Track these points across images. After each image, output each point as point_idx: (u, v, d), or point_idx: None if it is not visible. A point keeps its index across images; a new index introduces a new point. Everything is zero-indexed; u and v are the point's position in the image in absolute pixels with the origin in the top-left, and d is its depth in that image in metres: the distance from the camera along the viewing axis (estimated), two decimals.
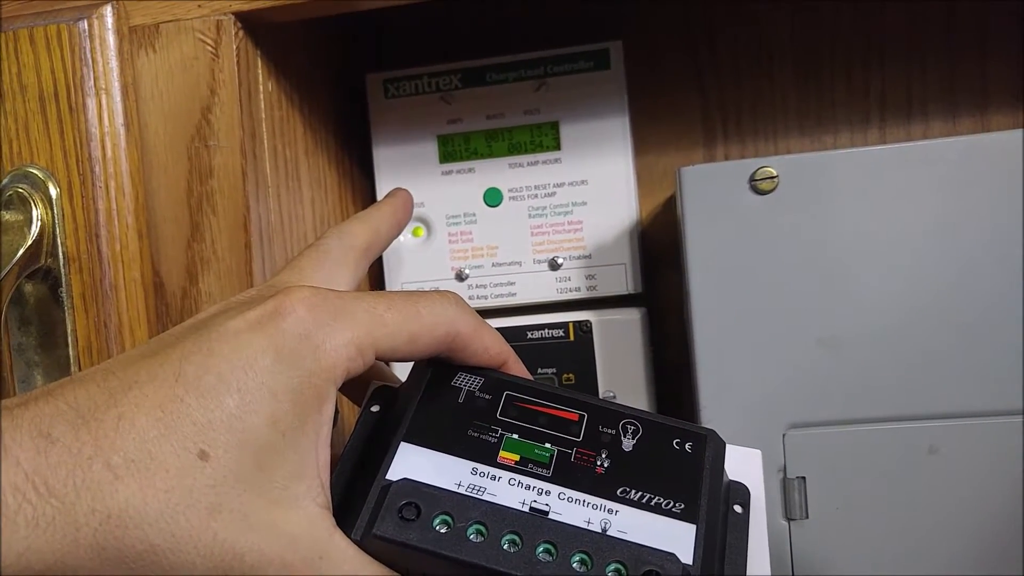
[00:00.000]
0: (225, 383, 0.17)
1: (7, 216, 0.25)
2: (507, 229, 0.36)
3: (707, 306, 0.30)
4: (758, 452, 0.22)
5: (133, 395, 0.17)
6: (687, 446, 0.20)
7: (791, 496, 0.29)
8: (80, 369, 0.25)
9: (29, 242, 0.24)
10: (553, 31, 0.39)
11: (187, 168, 0.27)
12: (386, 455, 0.19)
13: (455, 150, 0.36)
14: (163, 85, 0.26)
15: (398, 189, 0.29)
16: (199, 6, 0.26)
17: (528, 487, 0.19)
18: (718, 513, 0.20)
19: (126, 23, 0.26)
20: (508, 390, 0.21)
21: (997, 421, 0.28)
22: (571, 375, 0.35)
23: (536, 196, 0.36)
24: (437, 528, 0.18)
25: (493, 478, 0.19)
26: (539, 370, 0.35)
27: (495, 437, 0.20)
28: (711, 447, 0.20)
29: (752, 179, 0.29)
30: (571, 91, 0.35)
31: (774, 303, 0.29)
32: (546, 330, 0.35)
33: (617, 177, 0.35)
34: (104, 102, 0.25)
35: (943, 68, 0.37)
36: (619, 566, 0.18)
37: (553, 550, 0.18)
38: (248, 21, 0.27)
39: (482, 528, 0.18)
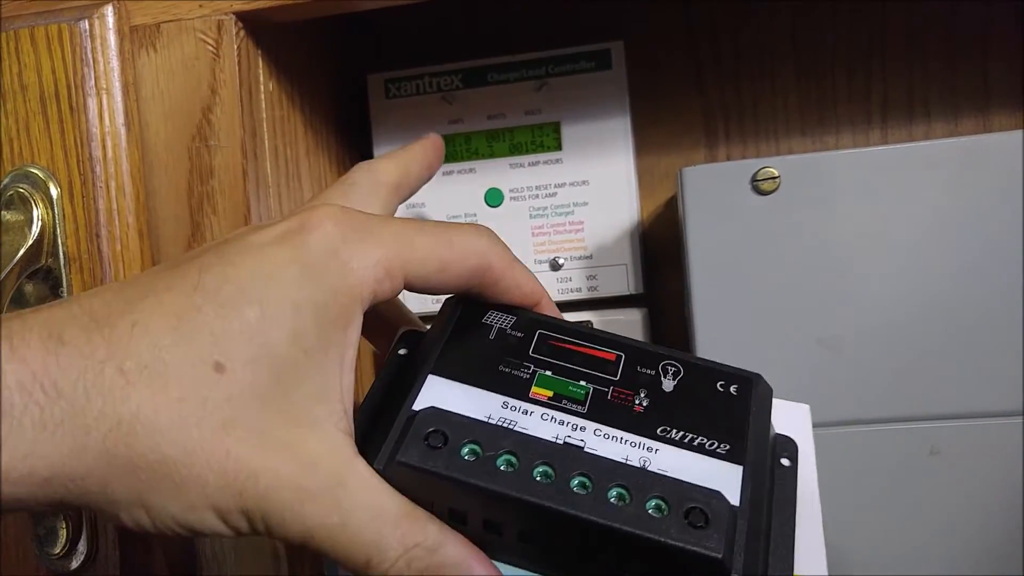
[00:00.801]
0: (245, 294, 0.16)
1: (8, 216, 0.25)
2: (508, 229, 0.36)
3: (708, 307, 0.30)
4: (806, 407, 0.21)
5: (149, 302, 0.16)
6: (732, 388, 0.19)
7: None
8: None
9: (30, 242, 0.24)
10: (554, 31, 0.39)
11: (188, 168, 0.27)
12: (412, 387, 0.18)
13: (456, 150, 0.36)
14: (164, 85, 0.26)
15: (429, 134, 0.26)
16: (200, 6, 0.26)
17: (562, 423, 0.18)
18: (765, 460, 0.18)
19: (127, 23, 0.26)
20: (541, 328, 0.20)
21: (999, 422, 0.28)
22: None
23: (537, 196, 0.36)
24: (465, 457, 0.17)
25: (525, 412, 0.18)
26: None
27: (527, 373, 0.19)
28: (757, 390, 0.19)
29: (754, 179, 0.29)
30: (572, 91, 0.35)
31: (776, 304, 0.29)
32: None
33: (618, 177, 0.35)
34: (105, 102, 0.25)
35: (945, 68, 0.37)
36: (660, 502, 0.16)
37: (588, 483, 0.16)
38: (249, 21, 0.27)
39: (513, 458, 0.17)
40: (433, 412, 0.17)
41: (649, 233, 0.39)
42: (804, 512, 0.19)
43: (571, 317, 0.35)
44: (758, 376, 0.20)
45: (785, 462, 0.19)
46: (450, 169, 0.36)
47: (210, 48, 0.26)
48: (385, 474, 0.17)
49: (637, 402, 0.19)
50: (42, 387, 0.15)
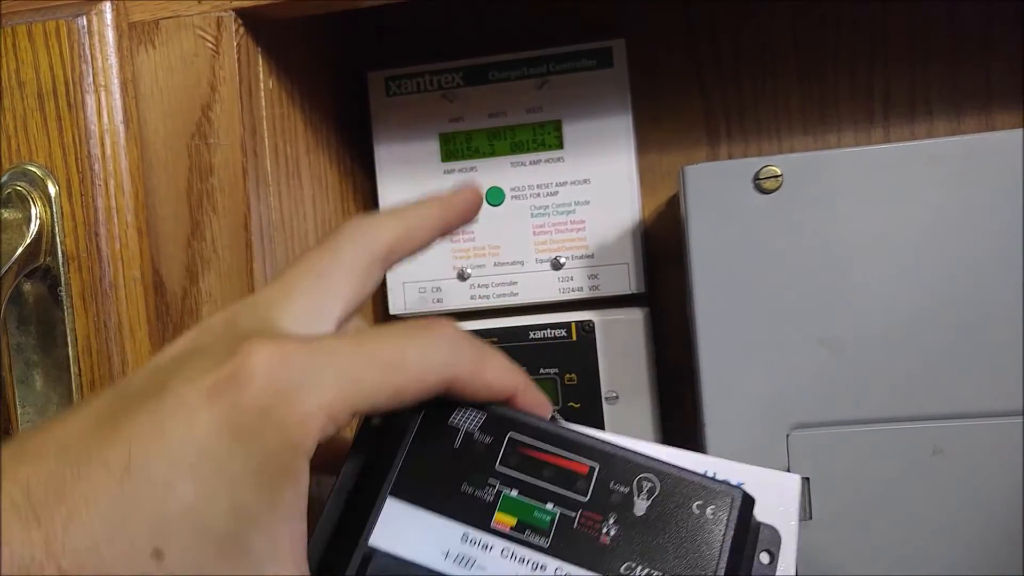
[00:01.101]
0: (178, 470, 0.16)
1: (6, 214, 0.25)
2: (509, 228, 0.36)
3: (710, 306, 0.30)
4: (797, 478, 0.20)
5: (82, 488, 0.16)
6: (708, 510, 0.18)
7: None
8: (79, 369, 0.25)
9: (28, 240, 0.24)
10: (555, 29, 0.38)
11: (187, 165, 0.27)
12: (370, 513, 0.18)
13: (457, 149, 0.36)
14: (163, 82, 0.26)
15: (466, 186, 0.23)
16: (199, 2, 0.26)
17: (522, 560, 0.17)
18: None
19: (125, 19, 0.26)
20: (512, 431, 0.19)
21: (1002, 422, 0.28)
22: (573, 375, 0.35)
23: (538, 195, 0.36)
24: None
25: (485, 547, 0.18)
26: (541, 370, 0.35)
27: (492, 494, 0.18)
28: (735, 511, 0.18)
29: (756, 178, 0.29)
30: (573, 90, 0.35)
31: (778, 303, 0.29)
32: (548, 330, 0.35)
33: (620, 176, 0.35)
34: (103, 99, 0.25)
35: (947, 67, 0.36)
36: None
37: None
38: (249, 18, 0.27)
39: None
40: (386, 561, 0.17)
41: (651, 232, 0.39)
42: None
43: (573, 316, 0.35)
44: (738, 490, 0.19)
45: (764, 558, 0.19)
46: (451, 168, 0.36)
47: (209, 45, 0.26)
48: None
49: (604, 530, 0.18)
50: None
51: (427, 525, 0.18)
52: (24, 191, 0.25)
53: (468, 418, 0.19)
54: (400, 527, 0.18)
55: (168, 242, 0.27)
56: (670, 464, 0.19)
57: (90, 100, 0.25)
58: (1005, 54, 0.36)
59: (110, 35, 0.25)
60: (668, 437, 0.35)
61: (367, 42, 0.40)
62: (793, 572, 0.20)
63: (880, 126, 0.37)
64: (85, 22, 0.25)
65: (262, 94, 0.28)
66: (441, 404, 0.19)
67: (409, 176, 0.36)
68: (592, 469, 0.18)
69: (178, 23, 0.26)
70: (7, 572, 0.15)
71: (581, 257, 0.36)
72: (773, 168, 0.29)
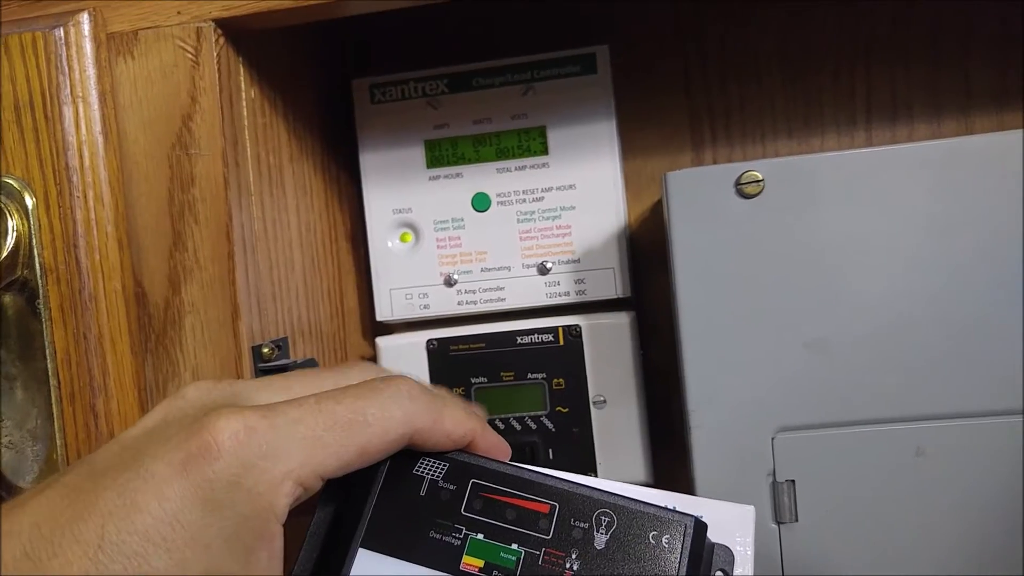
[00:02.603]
0: (152, 543, 0.16)
1: None
2: (496, 234, 0.36)
3: (695, 310, 0.30)
4: (751, 509, 0.21)
5: (57, 564, 0.16)
6: (664, 540, 0.19)
7: (780, 499, 0.29)
8: (59, 382, 0.25)
9: (5, 253, 0.24)
10: (540, 36, 0.39)
11: (168, 176, 0.26)
12: (343, 564, 0.18)
13: (442, 155, 0.36)
14: (142, 93, 0.26)
15: (503, 442, 0.22)
16: (178, 12, 0.26)
17: None
18: None
19: (103, 30, 0.26)
20: (475, 478, 0.20)
21: (984, 422, 0.28)
22: (561, 380, 0.35)
23: (524, 201, 0.36)
24: None
25: None
26: (529, 375, 0.35)
27: (459, 539, 0.19)
28: (689, 537, 0.19)
29: (738, 183, 0.29)
30: (558, 96, 0.35)
31: (762, 306, 0.29)
32: (536, 335, 0.35)
33: (605, 181, 0.35)
34: (81, 110, 0.25)
35: (927, 71, 0.37)
36: None
37: None
38: (229, 28, 0.27)
39: None
40: None
41: (636, 237, 0.39)
42: None
43: (560, 321, 0.35)
44: (691, 519, 0.20)
45: None
46: (436, 174, 0.36)
47: (189, 55, 0.26)
48: None
49: (568, 566, 0.19)
50: None
51: (399, 572, 0.18)
52: (0, 204, 0.24)
53: (431, 467, 0.20)
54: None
55: (150, 253, 0.27)
56: (627, 498, 0.20)
57: (68, 112, 0.25)
58: (984, 58, 0.36)
59: (88, 46, 0.25)
60: (655, 440, 0.36)
61: (351, 50, 0.40)
62: None
63: (862, 129, 0.38)
64: (62, 33, 0.25)
65: (243, 104, 0.28)
66: (404, 455, 0.20)
67: (395, 183, 0.36)
68: (553, 508, 0.19)
69: (157, 34, 0.26)
70: None
71: (567, 262, 0.36)
72: (754, 173, 0.29)
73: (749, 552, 0.20)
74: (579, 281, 0.36)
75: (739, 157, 0.38)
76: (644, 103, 0.39)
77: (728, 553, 0.20)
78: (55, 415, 0.25)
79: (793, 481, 0.29)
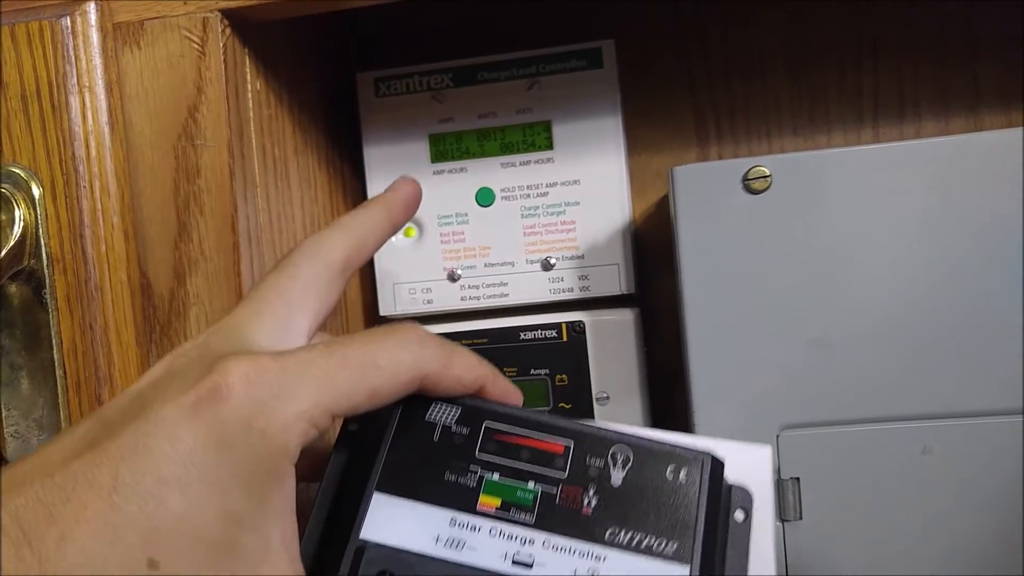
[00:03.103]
0: (166, 483, 0.16)
1: None
2: (500, 229, 0.36)
3: (700, 306, 0.30)
4: (767, 449, 0.21)
5: (71, 508, 0.16)
6: (681, 474, 0.19)
7: (785, 497, 0.29)
8: (65, 372, 0.25)
9: (11, 243, 0.24)
10: (545, 30, 0.38)
11: (174, 167, 0.26)
12: (359, 509, 0.18)
13: (447, 149, 0.36)
14: (148, 83, 0.26)
15: (400, 181, 0.25)
16: (184, 3, 0.26)
17: (510, 536, 0.18)
18: (714, 544, 0.19)
19: (110, 20, 0.26)
20: (487, 420, 0.20)
21: (990, 421, 0.28)
22: (564, 376, 0.35)
23: (529, 196, 0.36)
24: None
25: (473, 529, 0.18)
26: (532, 371, 0.35)
27: (474, 480, 0.19)
28: (707, 472, 0.19)
29: (745, 178, 0.29)
30: (564, 90, 0.35)
31: (767, 303, 0.29)
32: (539, 331, 0.35)
33: (610, 177, 0.35)
34: (88, 100, 0.25)
35: (935, 68, 0.37)
36: None
37: None
38: (235, 19, 0.27)
39: None
40: (379, 552, 0.18)
41: (641, 232, 0.39)
42: (758, 557, 0.20)
43: (564, 317, 0.35)
44: (707, 456, 0.19)
45: (739, 516, 0.19)
46: (441, 169, 0.36)
47: (195, 46, 0.26)
48: None
49: (586, 502, 0.19)
50: None
51: (415, 514, 0.18)
52: (7, 193, 0.24)
53: (444, 412, 0.20)
54: (389, 519, 0.18)
55: (155, 244, 0.27)
56: (641, 436, 0.20)
57: (74, 101, 0.25)
58: (993, 55, 0.36)
59: (94, 36, 0.25)
60: None
61: (356, 43, 0.40)
62: (771, 536, 0.20)
63: (869, 127, 0.37)
64: (69, 23, 0.25)
65: (249, 95, 0.28)
66: (416, 402, 0.20)
67: (399, 177, 0.36)
68: (567, 447, 0.19)
69: (163, 24, 0.26)
70: None
71: (571, 258, 0.36)
72: (762, 169, 0.29)
73: (768, 493, 0.20)
74: (583, 277, 0.36)
75: (744, 154, 0.38)
76: (649, 99, 0.39)
77: (746, 493, 0.20)
78: (61, 405, 0.25)
79: (798, 479, 0.29)
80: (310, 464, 0.20)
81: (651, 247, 0.39)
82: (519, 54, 0.35)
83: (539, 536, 0.18)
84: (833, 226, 0.29)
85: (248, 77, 0.28)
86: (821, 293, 0.29)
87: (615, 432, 0.20)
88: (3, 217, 0.24)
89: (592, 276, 0.35)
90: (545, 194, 0.36)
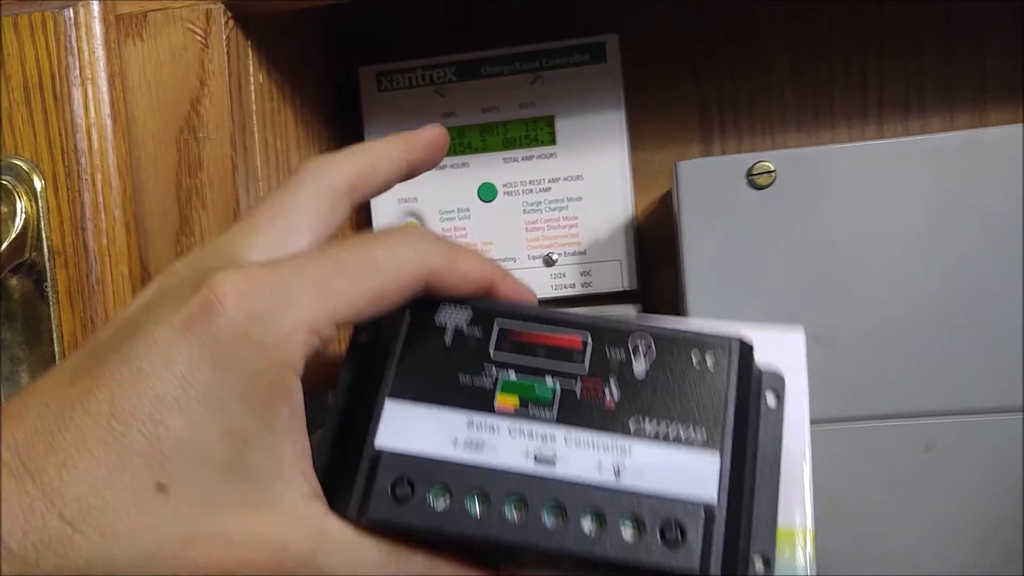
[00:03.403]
0: (164, 406, 0.15)
1: None
2: (501, 224, 0.36)
3: (703, 302, 0.29)
4: (800, 331, 0.20)
5: (71, 436, 0.15)
6: (708, 360, 0.18)
7: None
8: None
9: (13, 235, 0.24)
10: (549, 24, 0.38)
11: (176, 160, 0.26)
12: (371, 417, 0.17)
13: (449, 144, 0.36)
14: (151, 75, 0.26)
15: (429, 125, 0.23)
16: None
17: (531, 434, 0.17)
18: (745, 430, 0.18)
19: (113, 11, 0.26)
20: (500, 319, 0.18)
21: (993, 418, 0.28)
22: None
23: (531, 191, 0.36)
24: (433, 504, 0.17)
25: (492, 429, 0.17)
26: None
27: (490, 380, 0.18)
28: (735, 357, 0.18)
29: (749, 174, 0.29)
30: (567, 85, 0.35)
31: (771, 299, 0.29)
32: None
33: (613, 172, 0.35)
34: (90, 92, 0.25)
35: (941, 63, 0.36)
36: (633, 523, 0.16)
37: (561, 513, 0.16)
38: (238, 11, 0.27)
39: (482, 496, 0.17)
40: (396, 458, 0.17)
41: (644, 228, 0.39)
42: (792, 450, 0.19)
43: None
44: (735, 340, 0.18)
45: (771, 401, 0.18)
46: (443, 164, 0.36)
47: (198, 38, 0.26)
48: (358, 522, 0.17)
49: (608, 395, 0.18)
50: None
51: (431, 419, 0.17)
52: (9, 185, 0.24)
53: (454, 314, 0.19)
54: (404, 425, 0.17)
55: (157, 237, 0.27)
56: (661, 322, 0.19)
57: (77, 93, 0.25)
58: (999, 50, 0.36)
59: (97, 27, 0.25)
60: None
61: (359, 37, 0.40)
62: (807, 421, 0.19)
63: (874, 122, 0.37)
64: (72, 14, 0.25)
65: (252, 88, 0.28)
66: (424, 306, 0.19)
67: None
68: (585, 341, 0.18)
69: (166, 16, 0.26)
70: (7, 530, 0.15)
71: (574, 254, 0.35)
72: (766, 164, 0.29)
73: (802, 377, 0.19)
74: (585, 273, 0.35)
75: (748, 149, 0.38)
76: (653, 94, 0.38)
77: (778, 377, 0.19)
78: None
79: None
80: (323, 376, 0.19)
81: (654, 243, 0.39)
82: (522, 48, 0.35)
83: (561, 432, 0.17)
84: (837, 222, 0.29)
85: (251, 70, 0.28)
86: (825, 289, 0.29)
87: (635, 323, 0.19)
88: (4, 209, 0.24)
89: (594, 272, 0.35)
90: (547, 189, 0.36)
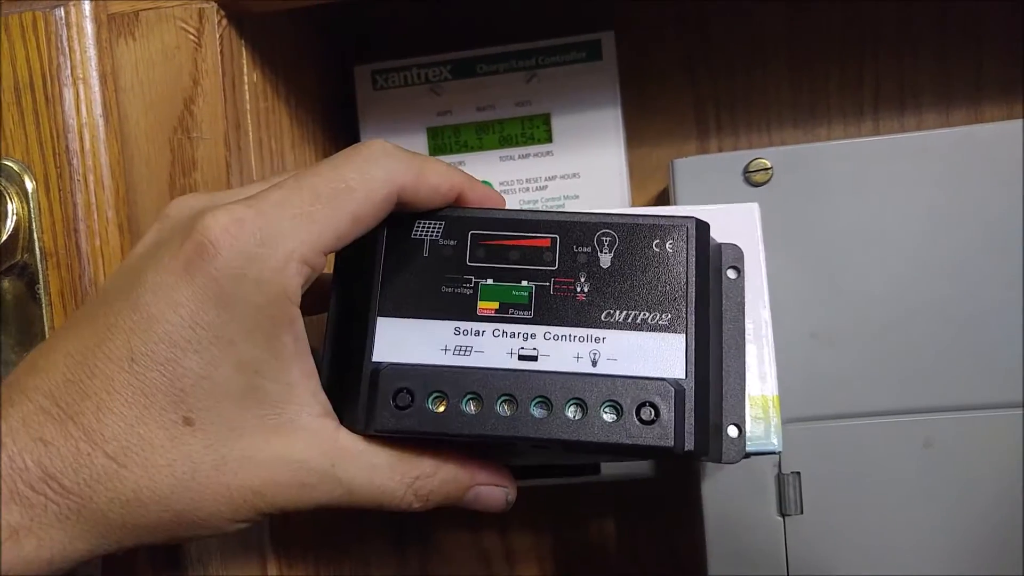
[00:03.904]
0: (178, 347, 0.17)
1: None
2: None
3: None
4: (754, 205, 0.21)
5: (100, 382, 0.17)
6: (667, 244, 0.19)
7: (786, 491, 0.29)
8: None
9: (4, 237, 0.24)
10: (544, 22, 0.38)
11: (169, 160, 0.26)
12: (365, 336, 0.19)
13: (445, 143, 0.36)
14: (144, 75, 0.26)
15: (497, 195, 0.22)
16: None
17: (513, 335, 0.19)
18: (708, 308, 0.19)
19: (104, 11, 0.25)
20: (472, 228, 0.20)
21: (992, 414, 0.28)
22: None
23: (528, 189, 0.35)
24: (432, 409, 0.18)
25: (477, 334, 0.19)
26: None
27: (470, 288, 0.19)
28: (692, 238, 0.19)
29: (746, 171, 0.29)
30: (563, 83, 0.35)
31: (768, 296, 0.29)
32: None
33: (610, 170, 0.35)
34: (82, 92, 0.25)
35: (937, 60, 0.36)
36: (613, 404, 0.18)
37: (547, 403, 0.18)
38: (231, 9, 0.26)
39: (475, 397, 0.18)
40: (393, 371, 0.19)
41: None
42: (753, 319, 0.20)
43: None
44: (690, 220, 0.20)
45: (731, 274, 0.20)
46: None
47: (191, 37, 0.26)
48: (366, 433, 0.19)
49: (579, 289, 0.19)
50: (50, 488, 0.16)
51: (420, 331, 0.19)
52: (0, 187, 0.24)
53: (428, 228, 0.20)
54: (396, 340, 0.19)
55: None
56: (623, 215, 0.20)
57: (68, 93, 0.24)
58: (995, 46, 0.36)
59: (88, 27, 0.25)
60: None
61: (354, 35, 0.40)
62: (764, 285, 0.21)
63: (870, 119, 0.37)
64: (63, 13, 0.25)
65: (246, 88, 0.28)
66: (399, 222, 0.20)
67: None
68: (554, 240, 0.20)
69: (159, 15, 0.26)
70: (60, 469, 0.16)
71: None
72: (763, 161, 0.29)
73: (758, 247, 0.20)
74: None
75: (744, 146, 0.38)
76: (649, 91, 0.38)
77: (736, 250, 0.20)
78: None
79: (799, 473, 0.29)
80: (320, 298, 0.21)
81: None
82: (518, 46, 0.35)
83: (539, 329, 0.19)
84: (834, 218, 0.29)
85: (245, 69, 0.28)
86: (822, 286, 0.29)
87: (598, 216, 0.20)
88: None
89: None
90: (544, 187, 0.35)
